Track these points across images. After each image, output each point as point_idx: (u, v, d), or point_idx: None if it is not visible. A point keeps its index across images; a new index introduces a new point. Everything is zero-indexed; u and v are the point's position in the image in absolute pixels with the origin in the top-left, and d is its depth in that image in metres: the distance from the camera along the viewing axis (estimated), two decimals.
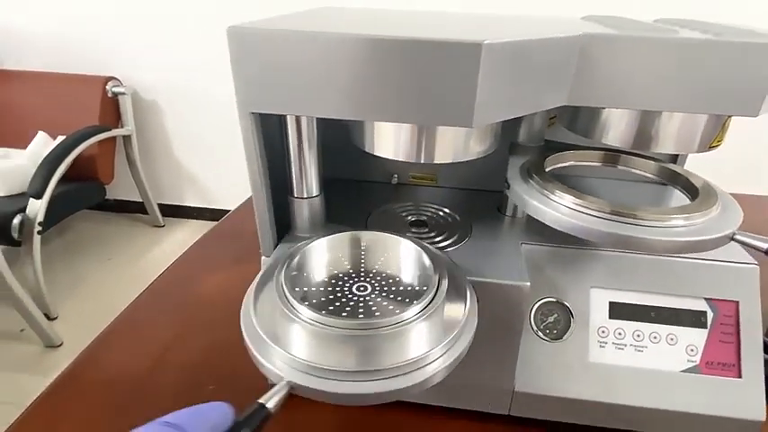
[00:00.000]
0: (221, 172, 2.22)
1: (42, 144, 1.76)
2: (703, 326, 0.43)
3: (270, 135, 0.40)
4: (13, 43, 2.06)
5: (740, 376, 0.42)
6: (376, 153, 0.40)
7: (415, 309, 0.33)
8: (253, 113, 0.36)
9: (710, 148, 0.40)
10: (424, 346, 0.31)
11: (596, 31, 0.35)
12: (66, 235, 2.21)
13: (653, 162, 0.48)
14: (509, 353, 0.43)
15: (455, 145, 0.39)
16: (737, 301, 0.43)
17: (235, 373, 0.50)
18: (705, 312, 0.43)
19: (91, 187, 1.92)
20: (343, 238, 0.42)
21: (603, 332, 0.44)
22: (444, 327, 0.33)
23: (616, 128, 0.42)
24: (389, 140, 0.39)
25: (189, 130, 2.16)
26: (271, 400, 0.27)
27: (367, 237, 0.42)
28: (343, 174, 0.60)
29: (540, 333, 0.44)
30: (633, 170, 0.49)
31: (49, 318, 1.59)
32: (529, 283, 0.40)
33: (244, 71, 0.34)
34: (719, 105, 0.35)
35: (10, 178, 1.60)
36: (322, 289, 0.36)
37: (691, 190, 0.44)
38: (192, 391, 0.49)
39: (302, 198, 0.44)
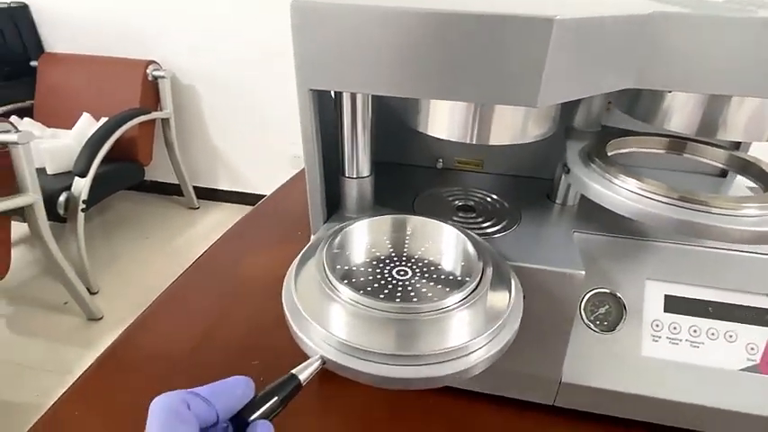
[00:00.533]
0: (255, 157, 2.25)
1: (87, 125, 1.83)
2: (766, 324, 0.41)
3: (324, 120, 0.40)
4: (60, 27, 2.13)
5: None
6: (429, 133, 0.40)
7: (458, 296, 0.32)
8: (311, 90, 0.36)
9: None
10: (466, 335, 0.30)
11: (668, 10, 0.33)
12: (105, 214, 2.29)
13: (722, 150, 0.45)
14: (558, 343, 0.42)
15: (513, 127, 0.38)
16: None
17: (278, 351, 0.50)
18: None
19: (131, 168, 1.97)
20: (385, 220, 0.41)
21: (657, 326, 0.42)
22: (488, 316, 0.32)
23: (680, 113, 0.40)
24: (444, 120, 0.38)
25: (224, 116, 2.19)
26: (303, 373, 0.28)
27: (409, 221, 0.42)
28: (388, 157, 0.60)
29: (590, 324, 0.43)
30: (699, 158, 0.46)
31: (90, 292, 1.66)
32: (583, 272, 0.38)
33: (305, 47, 0.34)
34: None
35: (58, 157, 1.67)
36: (362, 269, 0.36)
37: (765, 180, 0.41)
38: (236, 367, 0.50)
39: (353, 178, 0.44)
